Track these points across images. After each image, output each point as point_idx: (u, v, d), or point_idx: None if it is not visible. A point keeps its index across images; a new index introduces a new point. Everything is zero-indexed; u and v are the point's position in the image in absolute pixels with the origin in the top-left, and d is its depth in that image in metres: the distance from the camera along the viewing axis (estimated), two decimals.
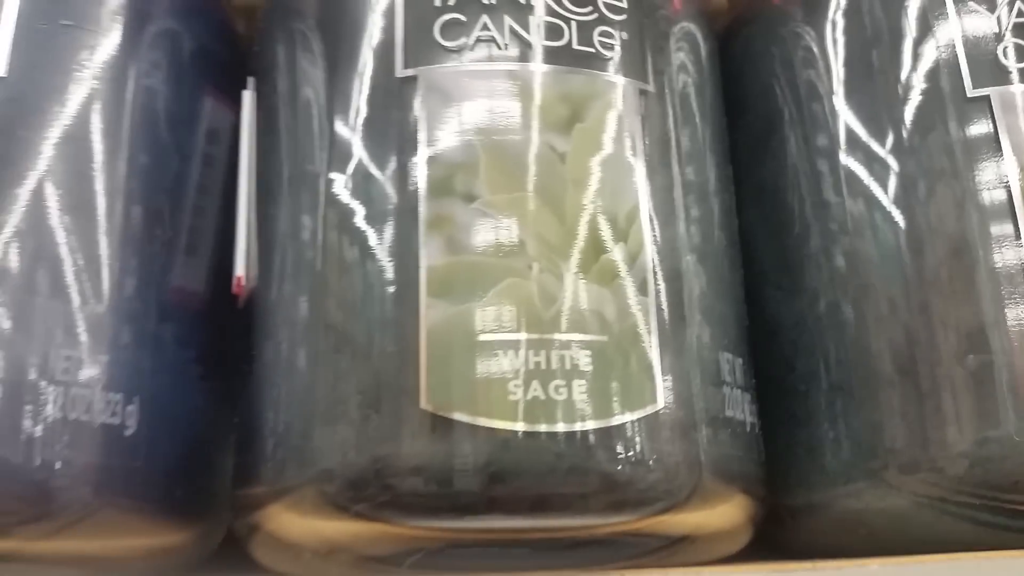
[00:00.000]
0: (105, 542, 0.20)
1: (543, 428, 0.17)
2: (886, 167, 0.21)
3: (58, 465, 0.18)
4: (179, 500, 0.21)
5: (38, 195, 0.19)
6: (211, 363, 0.22)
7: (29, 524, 0.19)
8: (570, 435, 0.17)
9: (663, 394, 0.18)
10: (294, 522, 0.19)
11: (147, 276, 0.21)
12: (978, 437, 0.19)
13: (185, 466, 0.21)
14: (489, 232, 0.18)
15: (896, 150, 0.21)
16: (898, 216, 0.21)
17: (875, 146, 0.21)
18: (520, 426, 0.17)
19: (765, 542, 0.21)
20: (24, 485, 0.18)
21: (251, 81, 0.22)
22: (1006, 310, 0.19)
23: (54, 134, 0.20)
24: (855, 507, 0.20)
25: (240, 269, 0.21)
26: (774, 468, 0.21)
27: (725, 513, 0.20)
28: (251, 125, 0.22)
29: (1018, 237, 0.19)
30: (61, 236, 0.20)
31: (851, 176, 0.22)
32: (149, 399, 0.20)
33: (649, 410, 0.18)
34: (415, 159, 0.19)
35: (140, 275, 0.21)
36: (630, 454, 0.18)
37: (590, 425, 0.17)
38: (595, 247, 0.18)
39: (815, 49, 0.23)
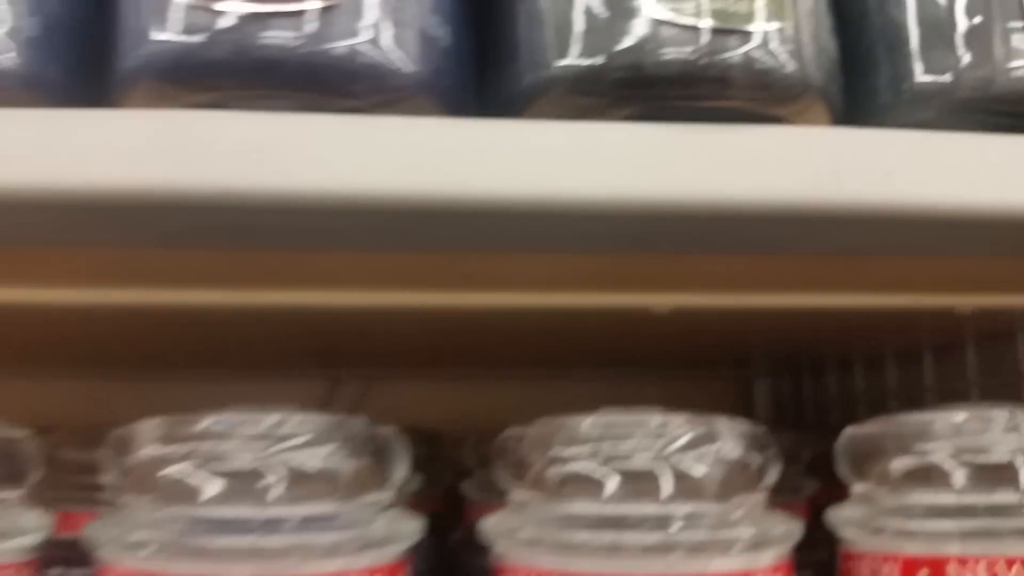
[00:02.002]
0: None
1: (719, 26, 0.28)
2: None
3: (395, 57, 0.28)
4: (461, 100, 0.31)
5: None
6: None
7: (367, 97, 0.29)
8: (733, 32, 0.28)
9: (792, 14, 0.29)
10: (551, 108, 0.29)
11: None
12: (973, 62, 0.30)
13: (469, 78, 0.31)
14: None
15: None
16: None
17: None
18: (706, 23, 0.28)
19: None
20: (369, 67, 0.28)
21: None
22: None
23: None
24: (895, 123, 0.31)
25: None
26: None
27: (814, 115, 0.30)
28: None
29: None
30: None
31: None
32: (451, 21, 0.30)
33: (783, 23, 0.28)
34: None
35: None
36: (767, 49, 0.28)
37: (748, 27, 0.28)
38: None
39: None
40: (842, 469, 0.32)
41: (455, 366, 0.69)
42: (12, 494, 0.32)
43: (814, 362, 0.68)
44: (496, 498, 0.52)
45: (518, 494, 0.30)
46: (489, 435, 0.56)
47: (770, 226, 0.29)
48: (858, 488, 0.32)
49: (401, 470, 0.30)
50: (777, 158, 0.28)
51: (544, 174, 0.27)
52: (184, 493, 0.27)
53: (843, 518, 0.32)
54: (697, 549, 0.27)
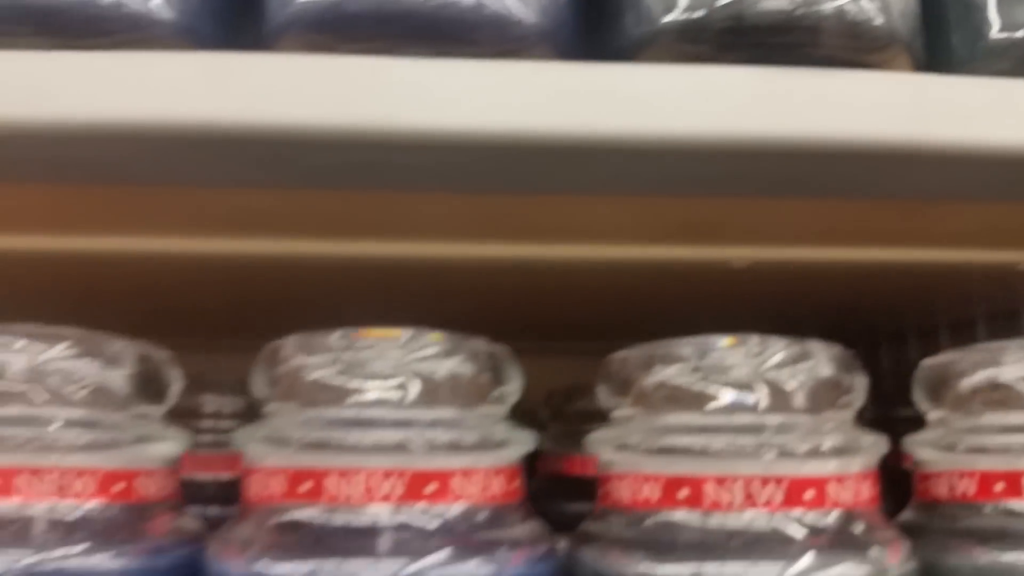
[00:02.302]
0: None
1: None
2: None
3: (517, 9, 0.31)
4: (576, 50, 0.34)
5: None
6: None
7: (491, 46, 0.32)
8: None
9: None
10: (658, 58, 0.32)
11: None
12: None
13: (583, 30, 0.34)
14: None
15: None
16: None
17: None
18: None
19: None
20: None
21: None
22: None
23: None
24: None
25: None
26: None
27: (899, 65, 0.33)
28: None
29: None
30: None
31: None
32: None
33: None
34: None
35: None
36: (858, 3, 0.31)
37: None
38: None
39: None
40: (919, 398, 0.35)
41: (516, 338, 0.71)
42: (156, 410, 0.35)
43: (867, 337, 0.70)
44: (567, 449, 0.55)
45: (622, 411, 0.33)
46: (558, 393, 0.59)
47: (860, 163, 0.32)
48: (934, 414, 0.34)
49: (515, 385, 0.33)
50: (869, 100, 0.31)
51: (657, 113, 0.30)
52: (327, 396, 0.31)
53: (921, 440, 0.34)
54: (790, 453, 0.30)
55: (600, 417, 0.36)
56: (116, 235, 0.45)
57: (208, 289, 0.53)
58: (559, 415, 0.57)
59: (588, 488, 0.38)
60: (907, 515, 0.35)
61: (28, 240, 0.45)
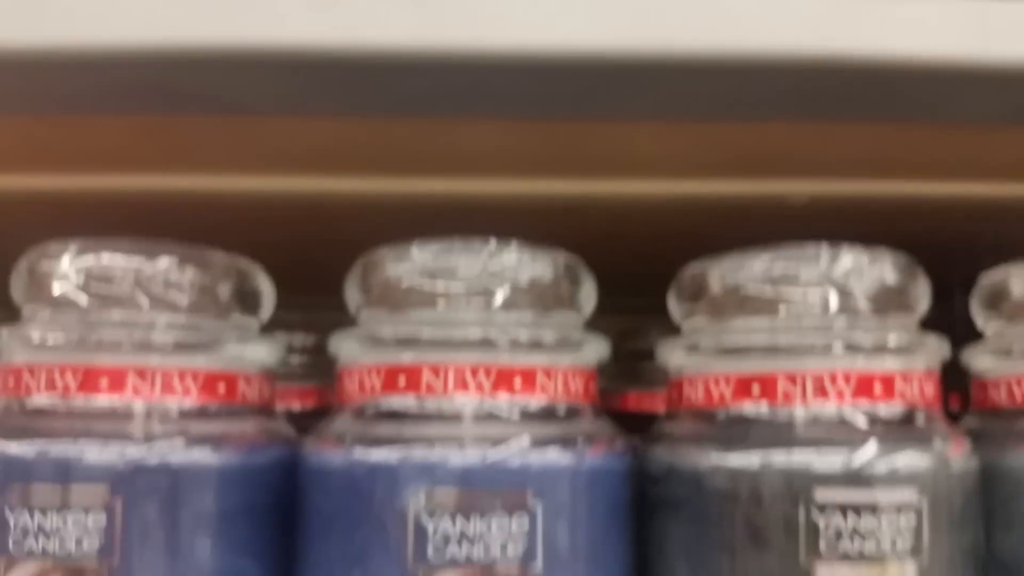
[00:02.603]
0: None
1: None
2: None
3: None
4: None
5: None
6: None
7: None
8: None
9: None
10: None
11: None
12: None
13: None
14: None
15: None
16: None
17: None
18: None
19: None
20: None
21: None
22: None
23: None
24: None
25: None
26: None
27: None
28: None
29: None
30: None
31: None
32: None
33: None
34: None
35: None
36: None
37: None
38: None
39: None
40: (976, 313, 0.36)
41: None
42: (251, 321, 0.38)
43: None
44: (622, 386, 0.57)
45: (693, 321, 0.35)
46: (612, 333, 0.61)
47: (925, 83, 0.33)
48: (991, 327, 0.36)
49: (589, 293, 0.35)
50: (934, 20, 0.32)
51: (734, 30, 0.32)
52: (418, 300, 0.33)
53: (977, 351, 0.35)
54: (858, 349, 0.31)
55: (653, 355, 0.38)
56: (192, 173, 0.47)
57: (268, 230, 0.55)
58: (614, 355, 0.59)
59: (643, 423, 0.40)
60: (966, 422, 0.36)
61: (98, 179, 0.47)
